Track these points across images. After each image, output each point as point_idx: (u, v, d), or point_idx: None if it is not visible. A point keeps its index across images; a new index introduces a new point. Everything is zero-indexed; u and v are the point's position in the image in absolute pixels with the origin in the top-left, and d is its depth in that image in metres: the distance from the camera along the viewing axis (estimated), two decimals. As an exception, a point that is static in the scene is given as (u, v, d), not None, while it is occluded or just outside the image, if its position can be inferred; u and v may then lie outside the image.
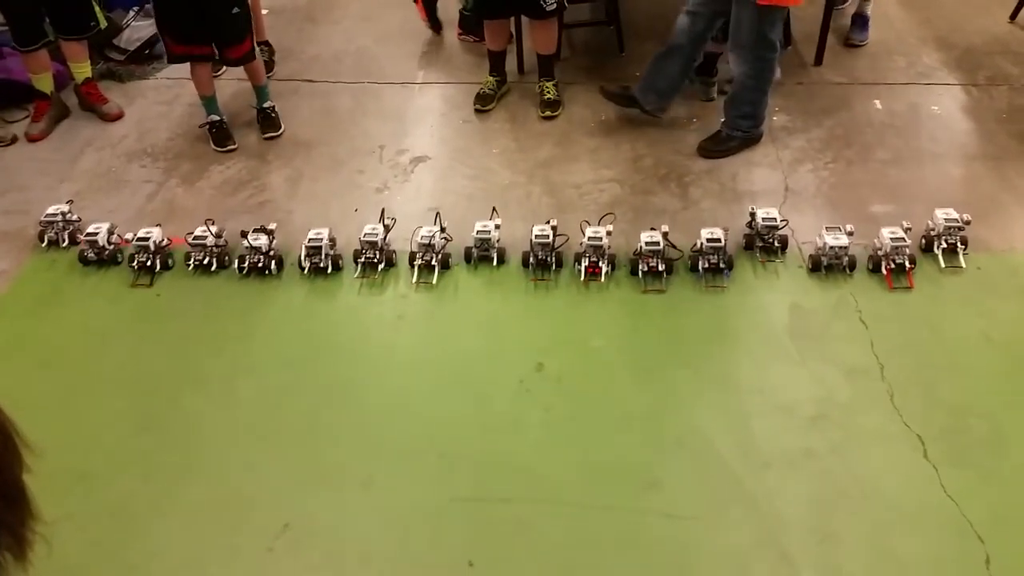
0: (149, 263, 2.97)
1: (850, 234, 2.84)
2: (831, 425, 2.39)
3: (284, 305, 2.88)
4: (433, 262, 2.91)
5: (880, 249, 2.87)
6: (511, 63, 4.07)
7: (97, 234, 3.03)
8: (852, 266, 2.85)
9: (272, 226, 3.01)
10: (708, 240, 2.84)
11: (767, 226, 2.94)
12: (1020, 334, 2.65)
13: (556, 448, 2.38)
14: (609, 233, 2.90)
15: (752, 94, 3.42)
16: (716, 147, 3.52)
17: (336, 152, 3.66)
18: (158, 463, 2.38)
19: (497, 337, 2.73)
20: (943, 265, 2.89)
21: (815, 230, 3.07)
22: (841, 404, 2.45)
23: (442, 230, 2.98)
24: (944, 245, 2.90)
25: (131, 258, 2.99)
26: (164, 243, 3.01)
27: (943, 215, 2.92)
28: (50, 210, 3.16)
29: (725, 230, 2.87)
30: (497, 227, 3.00)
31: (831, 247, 2.82)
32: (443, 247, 2.96)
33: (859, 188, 3.30)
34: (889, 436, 2.36)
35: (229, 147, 3.66)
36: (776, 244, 2.96)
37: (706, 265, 2.85)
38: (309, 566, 2.11)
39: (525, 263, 2.93)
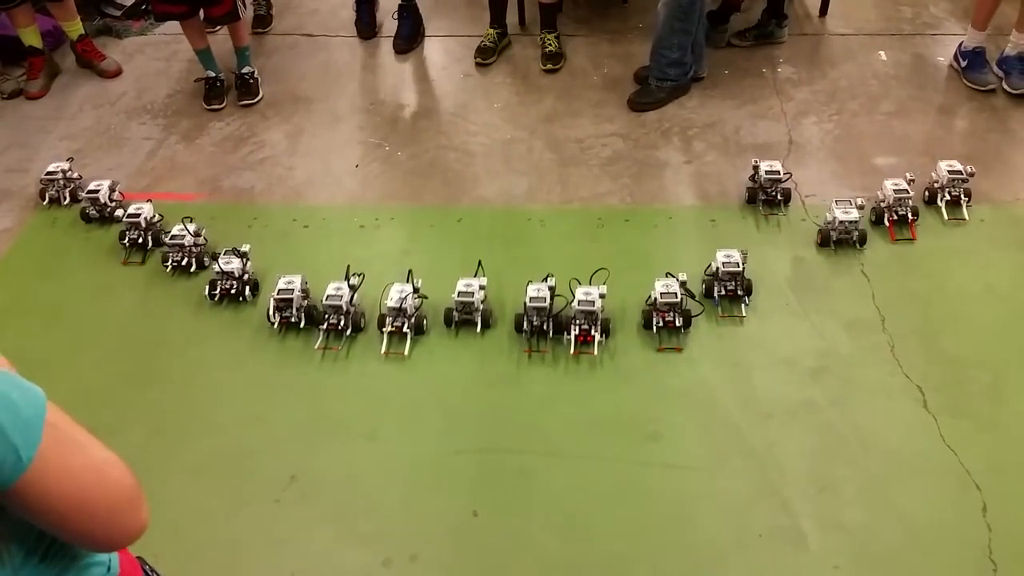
0: (141, 240, 2.90)
1: (860, 208, 2.75)
2: (832, 377, 2.41)
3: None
4: (405, 328, 2.54)
5: (883, 201, 2.85)
6: (512, 15, 4.01)
7: (98, 191, 3.02)
8: (863, 240, 2.75)
9: (245, 247, 2.75)
10: (724, 264, 2.58)
11: (770, 179, 2.93)
12: (1022, 286, 2.65)
13: (558, 401, 2.40)
14: (603, 296, 2.50)
15: (680, 37, 3.37)
16: (645, 99, 3.49)
17: (336, 107, 3.64)
18: (165, 417, 2.41)
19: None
20: (946, 217, 2.88)
21: (819, 183, 3.07)
22: (842, 356, 2.46)
23: (415, 291, 2.57)
24: (947, 197, 2.89)
25: (122, 235, 2.92)
26: (156, 219, 2.93)
27: (947, 167, 2.90)
28: (50, 168, 3.15)
29: (743, 252, 2.60)
30: (482, 287, 2.58)
31: (841, 221, 2.73)
32: (417, 309, 2.57)
33: (863, 140, 3.28)
34: (889, 387, 2.37)
35: (214, 106, 3.62)
36: (779, 197, 2.95)
37: (722, 292, 2.60)
38: (316, 517, 2.15)
39: (519, 328, 2.53)
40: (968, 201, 2.89)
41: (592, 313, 2.47)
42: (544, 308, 2.50)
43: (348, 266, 2.67)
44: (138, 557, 1.21)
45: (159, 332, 2.66)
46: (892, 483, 2.15)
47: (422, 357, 2.54)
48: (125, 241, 2.91)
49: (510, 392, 2.43)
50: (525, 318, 2.52)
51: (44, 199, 3.15)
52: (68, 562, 0.99)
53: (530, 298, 2.50)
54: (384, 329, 2.54)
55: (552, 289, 2.52)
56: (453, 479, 2.22)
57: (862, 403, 2.34)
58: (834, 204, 2.79)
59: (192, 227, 2.82)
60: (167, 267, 2.83)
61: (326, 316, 2.56)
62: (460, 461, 2.26)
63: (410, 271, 2.63)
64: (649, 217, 2.99)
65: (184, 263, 2.82)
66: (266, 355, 2.57)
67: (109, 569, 1.08)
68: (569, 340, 2.49)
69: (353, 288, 2.60)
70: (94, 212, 3.04)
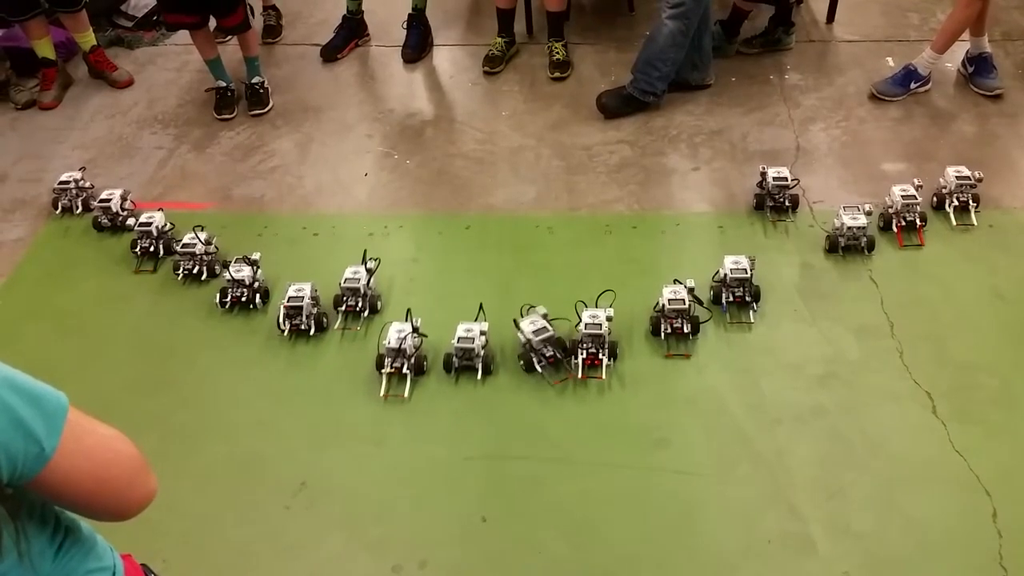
0: (152, 248, 2.93)
1: (868, 214, 2.75)
2: (840, 383, 2.41)
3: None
4: (404, 369, 2.45)
5: (891, 207, 2.85)
6: (519, 24, 4.03)
7: (110, 200, 3.05)
8: (871, 246, 2.75)
9: (256, 255, 2.77)
10: (733, 271, 2.57)
11: (778, 185, 2.93)
12: (1031, 291, 2.65)
13: (567, 408, 2.40)
14: (610, 319, 2.46)
15: (677, 52, 3.38)
16: (617, 106, 3.50)
17: (345, 116, 3.66)
18: (175, 423, 2.43)
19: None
20: (954, 223, 2.87)
21: (826, 189, 3.07)
22: (851, 362, 2.46)
23: (415, 330, 2.48)
24: (956, 202, 2.89)
25: (133, 244, 2.94)
26: (167, 228, 2.95)
27: (955, 172, 2.90)
28: (63, 177, 3.19)
29: (751, 259, 2.60)
30: (483, 333, 2.47)
31: (849, 227, 2.73)
32: (416, 349, 2.48)
33: (871, 146, 3.28)
34: (898, 393, 2.37)
35: (225, 116, 3.65)
36: (787, 204, 2.95)
37: (730, 299, 2.60)
38: (325, 523, 2.16)
39: (529, 367, 2.44)
40: (976, 206, 2.89)
41: (599, 336, 2.44)
42: (550, 336, 2.43)
43: (365, 251, 2.77)
44: (143, 565, 1.22)
45: (170, 340, 2.69)
46: (901, 489, 2.15)
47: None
48: (137, 250, 2.94)
49: (518, 399, 2.43)
50: (535, 354, 2.43)
51: (57, 208, 3.18)
52: (78, 562, 1.02)
53: (533, 333, 2.43)
54: (383, 370, 2.46)
55: (546, 316, 2.48)
56: (462, 485, 2.23)
57: (871, 409, 2.34)
58: (842, 210, 2.79)
59: (203, 236, 2.84)
60: (178, 275, 2.85)
61: (344, 298, 2.65)
62: (469, 467, 2.27)
63: (408, 310, 2.54)
64: (657, 224, 3.00)
65: (195, 271, 2.84)
66: (276, 362, 2.59)
67: (114, 574, 1.09)
68: (575, 364, 2.45)
69: (370, 271, 2.70)
70: (106, 221, 3.07)
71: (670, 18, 3.31)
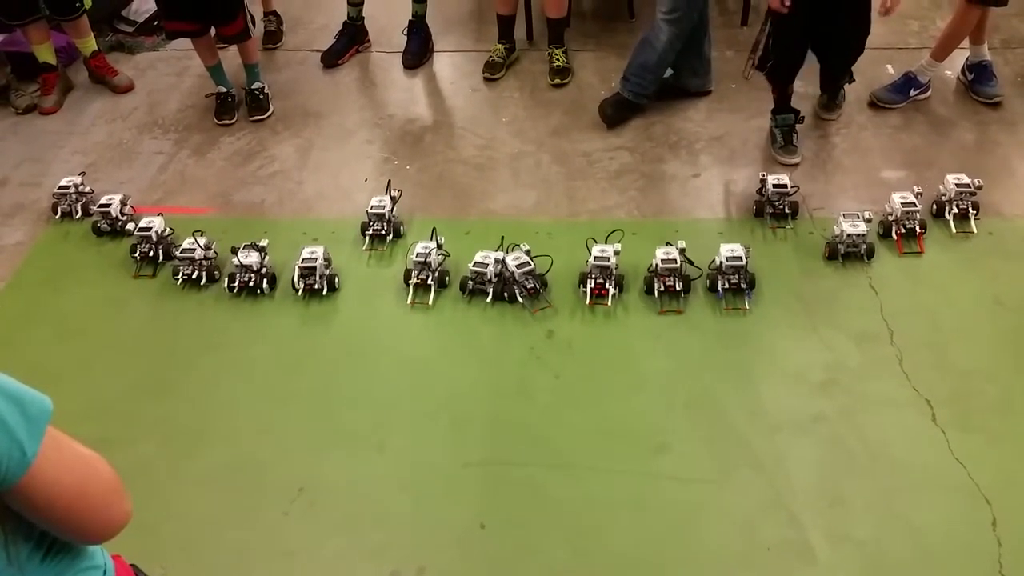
0: (152, 253, 2.92)
1: (868, 221, 2.77)
2: (840, 390, 2.41)
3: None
4: (429, 281, 2.75)
5: (891, 214, 2.86)
6: (520, 31, 4.04)
7: (110, 205, 3.04)
8: (870, 254, 2.76)
9: (264, 242, 2.84)
10: (728, 258, 2.65)
11: (778, 192, 2.93)
12: (1031, 299, 2.65)
13: (566, 413, 2.40)
14: (617, 253, 2.70)
15: (671, 57, 3.39)
16: (623, 113, 3.50)
17: (345, 122, 3.66)
18: (175, 428, 2.42)
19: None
20: (954, 230, 2.87)
21: (826, 196, 3.07)
22: (850, 369, 2.46)
23: (439, 247, 2.79)
24: (955, 210, 2.89)
25: (133, 249, 2.94)
26: (167, 233, 2.95)
27: (954, 180, 2.90)
28: (63, 182, 3.19)
29: (746, 247, 2.67)
30: (498, 261, 2.73)
31: (848, 235, 2.73)
32: (440, 264, 2.78)
33: (871, 153, 3.28)
34: (898, 401, 2.37)
35: (225, 121, 3.66)
36: (787, 210, 2.95)
37: (726, 285, 2.66)
38: (324, 528, 2.16)
39: (512, 299, 2.69)
40: (976, 214, 2.89)
41: (607, 268, 2.65)
42: (532, 271, 2.70)
43: (389, 181, 3.13)
44: (132, 564, 1.22)
45: (169, 345, 2.68)
46: (901, 497, 2.15)
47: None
48: (136, 255, 2.93)
49: (519, 400, 2.44)
50: (519, 286, 2.68)
51: (57, 213, 3.18)
52: (68, 563, 1.02)
53: (516, 267, 2.67)
54: (410, 282, 2.74)
55: (528, 252, 2.73)
56: (461, 491, 2.23)
57: (871, 416, 2.33)
58: (841, 217, 2.79)
59: (203, 241, 2.84)
60: (177, 280, 2.85)
61: (371, 223, 2.95)
62: (468, 473, 2.27)
63: (434, 229, 2.85)
64: (656, 230, 2.99)
65: (194, 276, 2.84)
66: (276, 366, 2.59)
67: (105, 573, 1.10)
68: (584, 292, 2.68)
69: (394, 199, 3.00)
70: (106, 226, 3.07)
71: (666, 22, 3.31)
